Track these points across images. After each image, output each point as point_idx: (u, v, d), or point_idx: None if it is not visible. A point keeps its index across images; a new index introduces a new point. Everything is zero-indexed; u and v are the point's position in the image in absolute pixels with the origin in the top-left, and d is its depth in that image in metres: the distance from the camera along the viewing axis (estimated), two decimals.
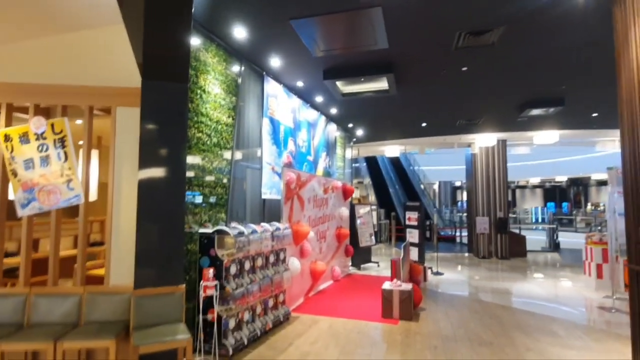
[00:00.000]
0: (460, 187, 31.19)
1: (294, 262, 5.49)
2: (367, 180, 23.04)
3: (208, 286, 3.64)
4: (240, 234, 4.04)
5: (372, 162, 23.14)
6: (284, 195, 5.47)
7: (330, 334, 4.43)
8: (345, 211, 8.28)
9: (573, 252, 12.54)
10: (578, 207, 29.24)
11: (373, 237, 9.64)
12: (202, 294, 3.62)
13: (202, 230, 4.05)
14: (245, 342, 4.01)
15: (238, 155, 5.10)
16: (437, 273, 8.38)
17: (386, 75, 5.50)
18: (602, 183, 27.60)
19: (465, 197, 30.80)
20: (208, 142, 4.40)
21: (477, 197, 11.28)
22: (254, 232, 4.29)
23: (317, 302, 5.95)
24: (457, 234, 15.47)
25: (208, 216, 4.35)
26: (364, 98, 6.99)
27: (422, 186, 21.82)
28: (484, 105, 7.64)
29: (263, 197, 5.68)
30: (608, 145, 11.11)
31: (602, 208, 27.11)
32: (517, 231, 12.05)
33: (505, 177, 11.13)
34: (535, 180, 28.88)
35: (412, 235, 8.48)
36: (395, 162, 22.70)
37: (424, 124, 9.45)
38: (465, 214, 17.00)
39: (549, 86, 6.46)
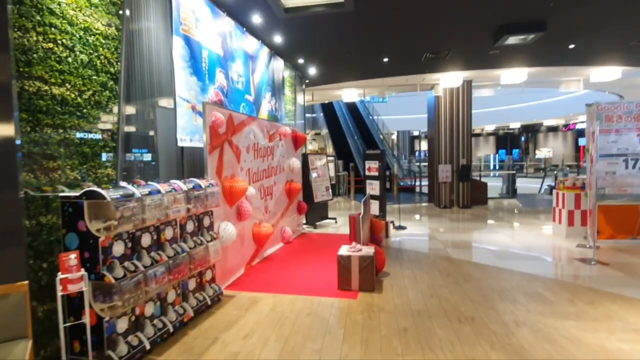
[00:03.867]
0: (418, 137, 31.01)
1: (228, 228, 4.28)
2: (325, 131, 21.86)
3: (69, 279, 2.35)
4: (127, 196, 2.70)
5: (329, 112, 21.84)
6: (207, 142, 4.10)
7: (271, 321, 3.38)
8: (296, 162, 7.06)
9: (529, 197, 12.51)
10: (527, 154, 30.32)
11: (330, 191, 8.62)
12: (59, 292, 2.34)
13: (63, 194, 2.67)
14: (148, 346, 2.85)
15: (132, 84, 3.59)
16: (400, 227, 7.62)
17: None
18: (551, 129, 28.50)
19: (423, 147, 30.81)
20: (69, 59, 2.86)
21: (439, 144, 10.52)
22: (153, 192, 2.97)
23: (261, 273, 4.88)
24: (417, 183, 14.97)
25: (78, 173, 2.92)
26: (314, 17, 5.52)
27: (381, 136, 21.04)
28: (456, 30, 6.45)
29: (180, 145, 4.27)
30: (573, 86, 10.59)
31: (547, 154, 28.27)
32: (476, 179, 11.63)
33: (469, 121, 10.38)
34: (490, 127, 29.22)
35: (373, 187, 7.55)
36: (353, 112, 21.58)
37: (385, 59, 8.17)
38: (423, 164, 16.53)
39: (534, 4, 5.37)
